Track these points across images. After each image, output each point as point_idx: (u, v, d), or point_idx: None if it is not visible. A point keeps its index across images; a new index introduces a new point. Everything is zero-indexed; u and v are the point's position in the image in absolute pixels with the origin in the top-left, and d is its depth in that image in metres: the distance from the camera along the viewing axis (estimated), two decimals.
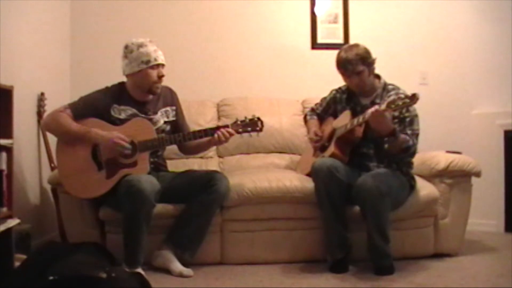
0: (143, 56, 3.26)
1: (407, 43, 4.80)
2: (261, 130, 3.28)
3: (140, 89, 3.33)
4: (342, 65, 3.32)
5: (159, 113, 3.40)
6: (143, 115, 3.34)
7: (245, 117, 3.28)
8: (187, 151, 3.59)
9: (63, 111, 3.25)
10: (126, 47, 3.31)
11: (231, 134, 3.25)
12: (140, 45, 3.28)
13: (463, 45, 4.79)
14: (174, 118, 3.47)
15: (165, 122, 3.42)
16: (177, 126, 3.49)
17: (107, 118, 3.28)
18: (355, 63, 3.27)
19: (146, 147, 3.22)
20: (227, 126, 3.27)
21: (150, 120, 3.34)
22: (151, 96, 3.38)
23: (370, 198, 3.06)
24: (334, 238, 3.26)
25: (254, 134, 3.28)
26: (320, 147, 3.56)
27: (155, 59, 3.27)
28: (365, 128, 3.30)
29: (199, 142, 3.41)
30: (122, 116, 3.30)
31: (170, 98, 3.51)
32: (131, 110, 3.32)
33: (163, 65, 3.32)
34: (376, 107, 3.09)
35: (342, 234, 3.25)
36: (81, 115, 3.25)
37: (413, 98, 2.97)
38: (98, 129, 3.19)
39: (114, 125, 3.27)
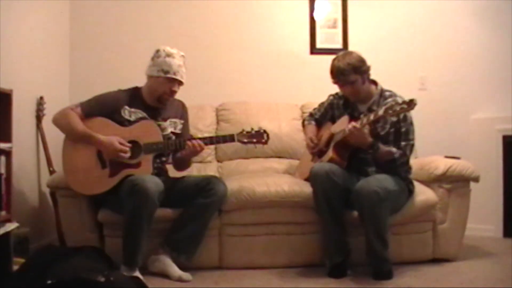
0: (165, 65, 3.29)
1: (406, 48, 4.81)
2: (266, 142, 3.29)
3: (151, 94, 3.36)
4: (335, 75, 3.33)
5: (168, 121, 3.42)
6: (152, 120, 3.35)
7: (252, 128, 3.29)
8: (178, 166, 3.55)
9: (74, 109, 3.29)
10: (157, 51, 3.35)
11: (201, 148, 3.24)
12: (169, 55, 3.32)
13: (462, 51, 4.80)
14: (180, 132, 3.47)
15: (172, 133, 3.43)
16: None
17: (116, 118, 3.30)
18: (347, 73, 3.27)
19: (151, 150, 3.24)
20: (232, 136, 3.26)
21: (158, 126, 3.35)
22: None
23: (369, 202, 3.06)
24: (333, 242, 3.26)
25: (259, 146, 3.29)
26: (318, 152, 3.56)
27: (174, 73, 3.30)
28: None
29: (182, 155, 3.40)
30: (132, 118, 3.32)
31: (181, 112, 3.54)
32: (141, 114, 3.34)
33: (180, 82, 3.35)
34: (354, 123, 3.15)
35: (341, 238, 3.26)
36: (91, 113, 3.28)
37: (411, 103, 2.99)
38: (100, 135, 3.20)
39: (122, 126, 3.29)
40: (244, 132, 3.28)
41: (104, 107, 3.31)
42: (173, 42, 4.54)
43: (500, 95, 4.58)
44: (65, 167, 3.28)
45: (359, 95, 3.37)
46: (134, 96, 3.38)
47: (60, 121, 3.30)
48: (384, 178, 3.19)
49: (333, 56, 3.41)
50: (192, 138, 3.33)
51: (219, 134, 3.43)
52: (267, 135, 3.29)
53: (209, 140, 3.33)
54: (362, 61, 3.31)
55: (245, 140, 3.27)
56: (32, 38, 3.87)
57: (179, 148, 3.32)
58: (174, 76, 3.30)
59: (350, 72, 3.27)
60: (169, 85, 3.31)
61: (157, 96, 3.35)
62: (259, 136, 3.28)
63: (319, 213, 3.28)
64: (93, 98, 3.36)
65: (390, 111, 3.03)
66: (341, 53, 3.43)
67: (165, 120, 3.41)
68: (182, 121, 3.52)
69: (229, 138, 3.30)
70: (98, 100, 3.34)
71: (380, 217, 3.10)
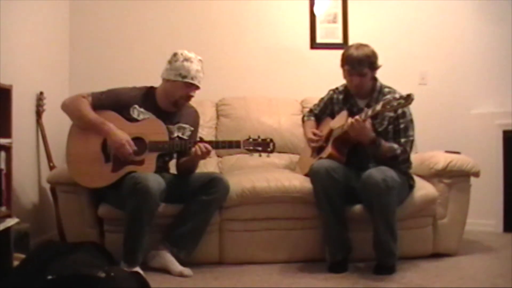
0: (183, 70, 3.26)
1: (406, 43, 4.80)
2: (272, 151, 3.27)
3: (167, 98, 3.34)
4: (350, 63, 3.29)
5: (176, 126, 3.39)
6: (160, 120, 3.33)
7: (258, 136, 3.28)
8: (180, 170, 3.50)
9: (85, 97, 3.28)
10: (175, 54, 3.32)
11: (208, 150, 3.22)
12: (187, 59, 3.28)
13: (462, 45, 4.79)
14: (187, 138, 3.42)
15: (178, 137, 3.40)
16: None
17: (123, 115, 3.29)
18: (363, 65, 3.25)
19: (157, 148, 3.23)
20: (238, 142, 3.25)
21: None
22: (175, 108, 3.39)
23: (377, 191, 3.03)
24: (334, 239, 3.26)
25: (264, 154, 3.27)
26: (318, 148, 3.55)
27: (192, 78, 3.27)
28: None
29: (187, 160, 3.38)
30: (140, 117, 3.30)
31: (193, 119, 3.51)
32: (150, 115, 3.32)
33: (197, 87, 3.32)
34: (356, 117, 3.12)
35: (342, 235, 3.25)
36: (101, 105, 3.27)
37: (408, 98, 2.98)
38: (113, 125, 3.20)
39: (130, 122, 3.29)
40: (251, 140, 3.26)
41: (115, 103, 3.29)
42: (172, 37, 4.58)
43: (501, 90, 4.57)
44: (68, 157, 3.27)
45: (363, 89, 3.36)
46: (147, 97, 3.37)
47: (70, 107, 3.29)
48: (387, 169, 3.15)
49: (333, 51, 3.41)
50: (198, 141, 3.27)
51: (225, 139, 3.42)
52: (273, 145, 3.27)
53: (215, 144, 3.34)
54: (376, 57, 3.30)
55: (251, 148, 3.25)
56: (32, 33, 3.86)
57: (184, 150, 3.29)
58: (191, 81, 3.28)
59: (365, 64, 3.25)
60: (186, 90, 3.29)
61: (173, 100, 3.33)
62: (265, 145, 3.25)
63: (320, 210, 3.28)
64: (106, 91, 3.34)
65: (388, 106, 3.02)
66: (355, 43, 3.40)
67: (173, 124, 3.38)
68: (192, 129, 3.48)
69: (235, 144, 3.29)
70: (111, 95, 3.33)
71: (389, 206, 3.08)
